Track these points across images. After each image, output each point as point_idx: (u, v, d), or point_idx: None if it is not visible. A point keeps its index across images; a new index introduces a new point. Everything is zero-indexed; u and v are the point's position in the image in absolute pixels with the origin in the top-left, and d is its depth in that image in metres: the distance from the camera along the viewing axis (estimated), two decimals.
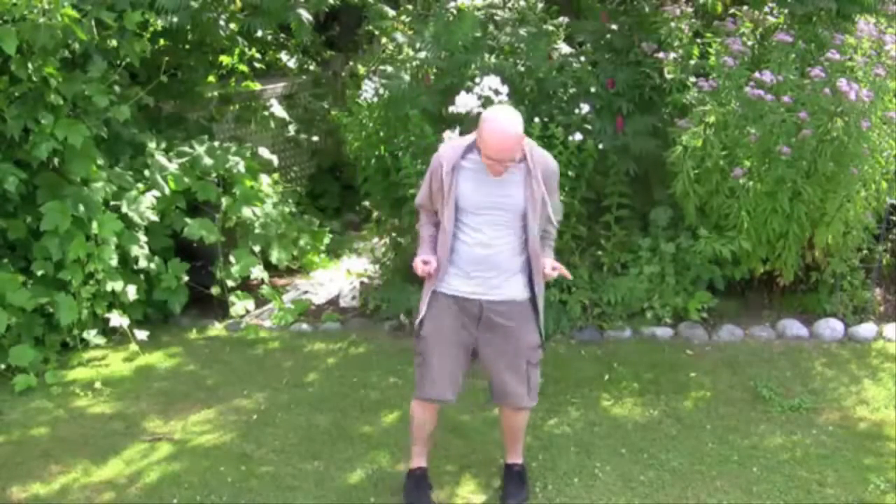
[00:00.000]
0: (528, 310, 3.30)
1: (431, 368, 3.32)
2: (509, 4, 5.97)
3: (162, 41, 5.97)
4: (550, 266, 3.28)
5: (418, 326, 3.36)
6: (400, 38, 5.88)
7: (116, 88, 5.38)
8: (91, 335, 5.03)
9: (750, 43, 5.07)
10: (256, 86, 7.41)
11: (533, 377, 3.35)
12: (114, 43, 5.29)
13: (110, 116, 5.17)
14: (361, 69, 6.90)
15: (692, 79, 4.99)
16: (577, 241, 5.37)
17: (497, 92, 4.88)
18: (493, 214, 3.23)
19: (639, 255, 5.26)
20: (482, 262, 3.24)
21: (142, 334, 5.13)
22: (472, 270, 3.25)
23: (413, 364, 3.47)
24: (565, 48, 5.69)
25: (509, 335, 3.28)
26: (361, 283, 5.97)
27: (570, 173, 5.06)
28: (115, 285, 5.00)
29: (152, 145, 5.54)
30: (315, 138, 8.12)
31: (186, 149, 5.67)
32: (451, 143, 3.48)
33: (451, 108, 4.86)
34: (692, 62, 5.13)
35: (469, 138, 3.27)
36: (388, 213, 5.79)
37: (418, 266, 3.28)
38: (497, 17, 5.78)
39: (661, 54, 5.11)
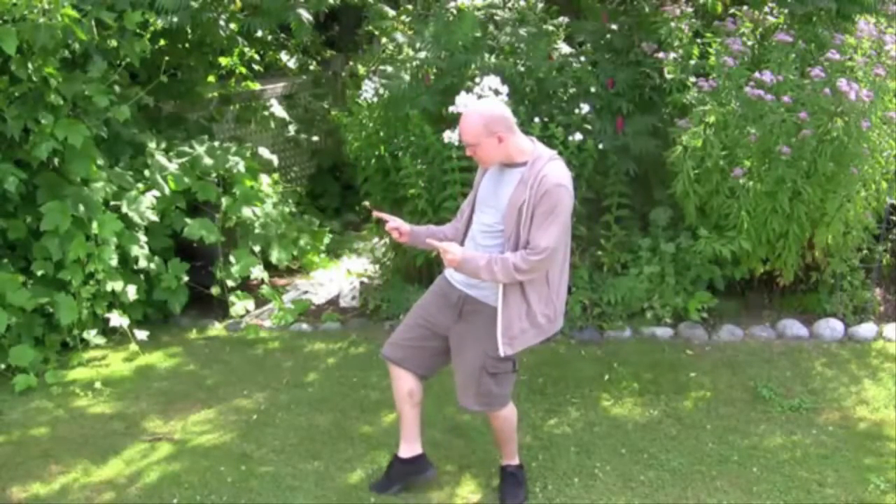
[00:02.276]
0: (494, 319, 3.23)
1: (398, 329, 3.53)
2: (509, 4, 5.97)
3: (162, 41, 5.97)
4: (443, 243, 3.19)
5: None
6: (400, 38, 5.88)
7: (116, 88, 5.38)
8: (91, 335, 5.03)
9: (750, 43, 5.07)
10: (256, 86, 7.42)
11: (486, 385, 3.30)
12: (114, 43, 5.30)
13: (110, 116, 5.17)
14: (361, 69, 6.90)
15: (692, 79, 4.99)
16: (577, 241, 5.36)
17: (497, 92, 4.88)
18: (487, 214, 3.26)
19: (639, 255, 5.26)
20: None
21: (142, 334, 5.13)
22: None
23: None
24: (565, 48, 5.69)
25: (473, 333, 3.30)
26: (361, 283, 5.97)
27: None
28: (115, 285, 5.00)
29: (152, 145, 5.54)
30: (315, 138, 8.13)
31: (186, 149, 5.67)
32: None
33: (451, 108, 4.86)
34: (692, 62, 5.13)
35: None
36: (387, 213, 5.78)
37: (390, 223, 3.46)
38: (497, 17, 5.78)
39: (661, 54, 5.11)
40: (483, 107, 3.19)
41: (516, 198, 3.13)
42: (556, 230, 3.11)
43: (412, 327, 3.48)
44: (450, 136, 4.85)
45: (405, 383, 3.48)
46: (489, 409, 3.39)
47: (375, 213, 3.64)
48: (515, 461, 3.60)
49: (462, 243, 3.34)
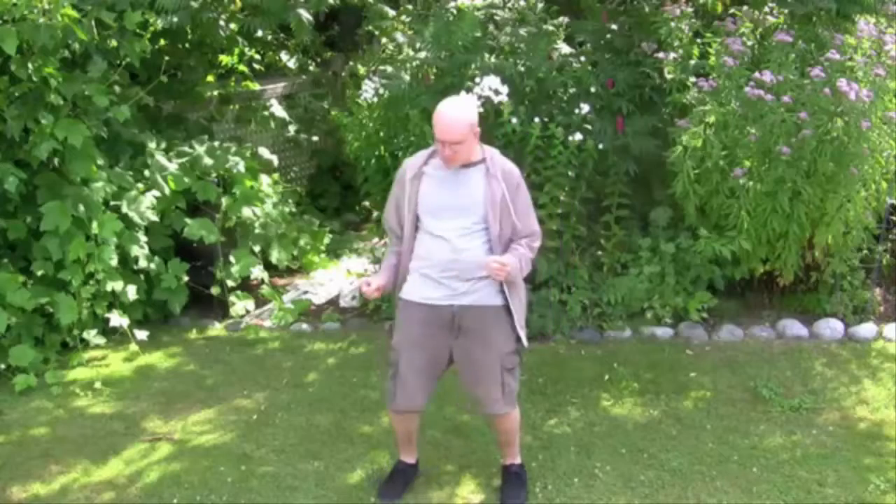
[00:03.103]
0: (501, 315, 3.26)
1: (403, 379, 3.31)
2: (509, 4, 5.97)
3: (162, 41, 5.97)
4: (493, 259, 3.14)
5: (389, 336, 3.43)
6: (400, 38, 5.89)
7: (116, 88, 5.38)
8: (91, 335, 5.03)
9: (750, 43, 5.07)
10: (256, 86, 7.42)
11: (509, 383, 3.32)
12: (114, 43, 5.30)
13: (110, 116, 5.17)
14: (361, 69, 6.90)
15: (692, 79, 4.99)
16: (577, 241, 5.37)
17: (497, 92, 4.89)
18: (456, 218, 3.23)
19: (639, 255, 5.26)
20: (450, 267, 3.24)
21: (142, 334, 5.13)
22: (440, 276, 3.25)
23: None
24: (565, 48, 5.69)
25: (483, 340, 3.27)
26: None
27: (570, 173, 5.06)
28: (115, 285, 5.00)
29: (152, 145, 5.54)
30: (315, 138, 8.12)
31: (186, 149, 5.67)
32: (415, 154, 3.48)
33: None
34: (692, 62, 5.13)
35: (431, 148, 3.35)
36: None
37: (363, 287, 3.32)
38: (497, 17, 5.78)
39: (661, 54, 5.11)
40: (462, 105, 3.21)
41: (494, 193, 3.20)
42: (534, 214, 3.37)
43: (423, 368, 3.32)
44: None
45: (413, 422, 3.50)
46: (514, 405, 3.38)
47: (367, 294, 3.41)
48: (518, 460, 3.60)
49: (409, 257, 3.30)
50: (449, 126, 3.13)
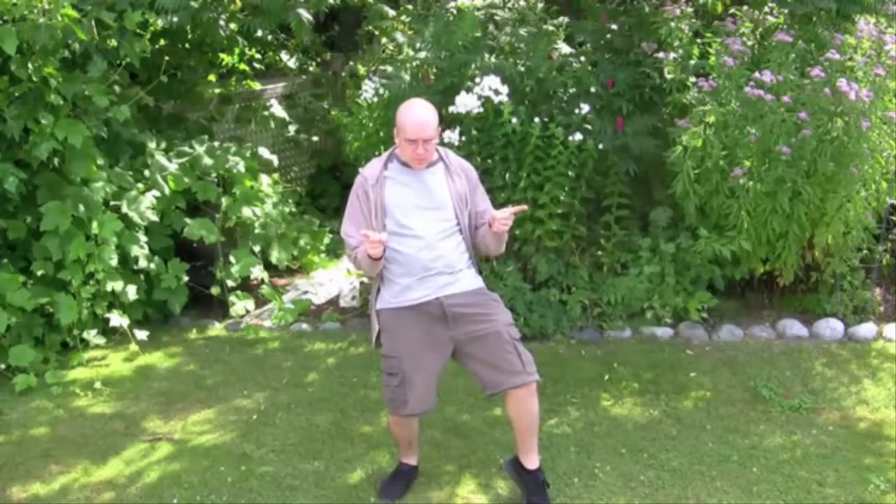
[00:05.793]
0: (487, 294, 3.38)
1: (411, 383, 3.26)
2: (509, 4, 5.97)
3: (162, 41, 5.97)
4: (499, 213, 3.24)
5: (383, 346, 3.36)
6: (400, 38, 5.89)
7: (116, 88, 5.39)
8: (91, 335, 5.03)
9: (750, 43, 5.07)
10: (256, 85, 7.42)
11: (523, 351, 3.29)
12: (114, 43, 5.30)
13: (110, 116, 5.17)
14: (361, 69, 6.91)
15: (692, 79, 4.99)
16: (577, 241, 5.37)
17: (497, 92, 4.89)
18: (429, 216, 3.26)
19: (639, 255, 5.26)
20: (432, 266, 3.25)
21: (142, 334, 5.13)
22: (421, 275, 3.26)
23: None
24: (565, 48, 5.69)
25: (481, 315, 3.28)
26: (361, 283, 5.97)
27: (570, 173, 5.07)
28: (115, 285, 5.00)
29: (152, 145, 5.54)
30: (315, 138, 8.13)
31: (186, 149, 5.67)
32: (368, 164, 3.45)
33: (451, 108, 4.87)
34: (692, 62, 5.13)
35: (385, 155, 3.38)
36: None
37: (374, 244, 3.09)
38: (497, 17, 5.79)
39: (661, 54, 5.11)
40: (426, 103, 3.27)
41: (461, 190, 3.31)
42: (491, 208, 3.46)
43: (429, 368, 3.29)
44: (450, 135, 4.85)
45: (417, 421, 3.51)
46: (536, 373, 3.28)
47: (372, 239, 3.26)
48: (539, 462, 3.48)
49: (394, 258, 3.27)
50: (424, 123, 3.20)
